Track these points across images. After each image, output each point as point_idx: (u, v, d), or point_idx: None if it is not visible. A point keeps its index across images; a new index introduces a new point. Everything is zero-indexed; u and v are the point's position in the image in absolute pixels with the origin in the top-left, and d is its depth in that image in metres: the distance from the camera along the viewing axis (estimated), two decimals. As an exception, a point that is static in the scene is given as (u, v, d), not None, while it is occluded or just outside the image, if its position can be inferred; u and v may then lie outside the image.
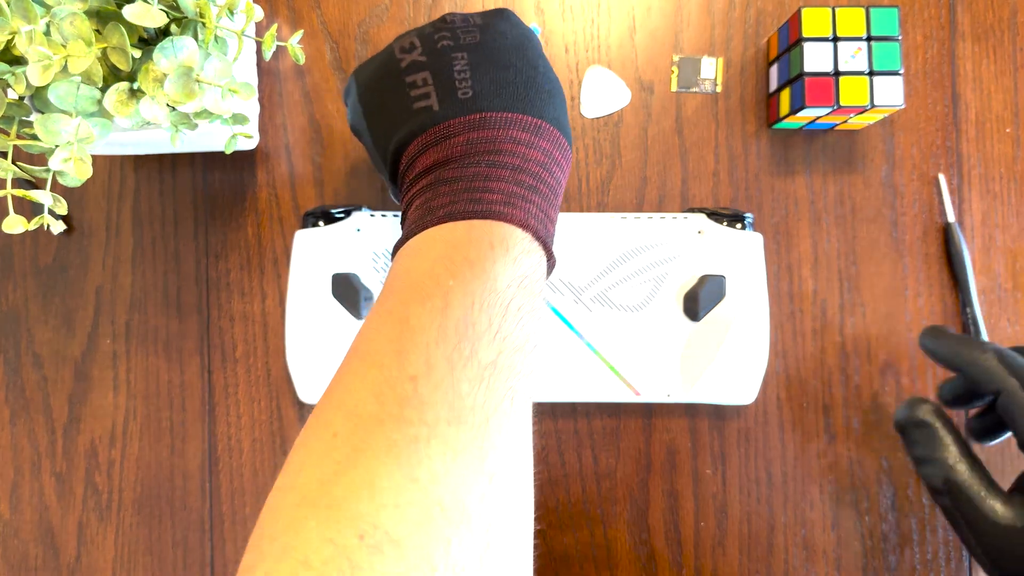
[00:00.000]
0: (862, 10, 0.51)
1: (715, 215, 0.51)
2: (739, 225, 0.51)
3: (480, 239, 0.34)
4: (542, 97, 0.40)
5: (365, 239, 0.51)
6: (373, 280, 0.51)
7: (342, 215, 0.51)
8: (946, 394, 0.49)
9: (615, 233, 0.51)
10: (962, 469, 0.42)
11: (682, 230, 0.51)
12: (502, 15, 0.42)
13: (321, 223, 0.51)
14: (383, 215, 0.51)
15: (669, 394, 0.51)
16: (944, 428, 0.43)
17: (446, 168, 0.37)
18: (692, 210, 0.52)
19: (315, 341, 0.50)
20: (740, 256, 0.51)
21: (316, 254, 0.50)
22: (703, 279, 0.50)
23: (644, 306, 0.51)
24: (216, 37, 0.41)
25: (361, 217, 0.51)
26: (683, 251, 0.51)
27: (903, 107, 0.51)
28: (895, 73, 0.50)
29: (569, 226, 0.51)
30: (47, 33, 0.36)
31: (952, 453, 0.42)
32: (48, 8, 0.36)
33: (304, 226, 0.51)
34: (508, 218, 0.35)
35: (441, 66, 0.39)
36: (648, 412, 0.54)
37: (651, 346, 0.51)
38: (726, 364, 0.51)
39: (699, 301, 0.50)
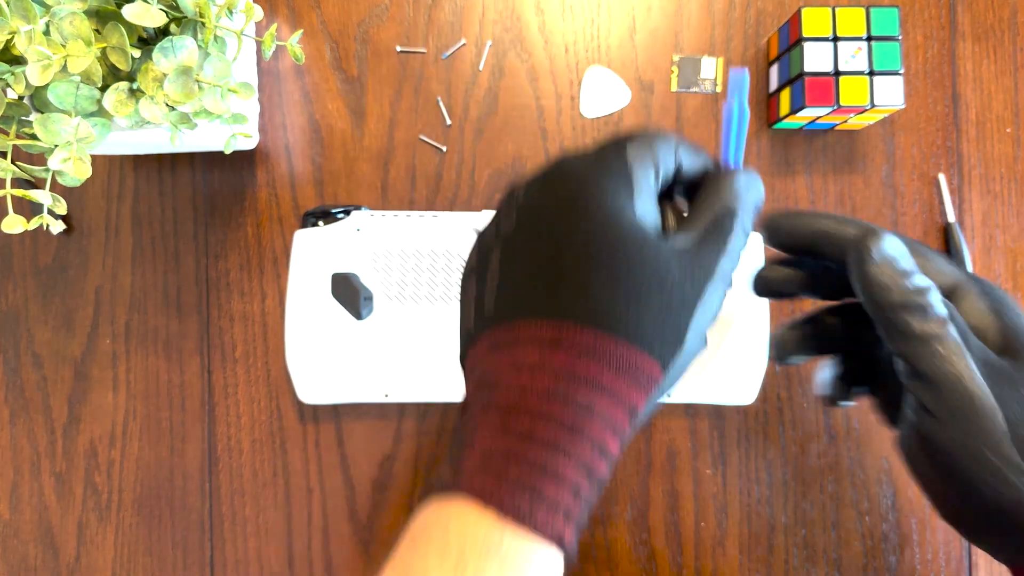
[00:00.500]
0: (862, 10, 0.51)
1: None
2: None
3: (429, 536, 0.27)
4: (576, 282, 0.29)
5: (365, 239, 0.51)
6: (373, 280, 0.51)
7: (342, 215, 0.51)
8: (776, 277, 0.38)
9: None
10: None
11: None
12: (549, 175, 0.32)
13: (321, 223, 0.51)
14: (383, 215, 0.51)
15: (669, 394, 0.51)
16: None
17: (461, 416, 0.30)
18: None
19: (315, 341, 0.50)
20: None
21: (316, 254, 0.50)
22: None
23: None
24: (215, 37, 0.41)
25: (361, 217, 0.51)
26: None
27: (903, 107, 0.51)
28: (895, 73, 0.50)
29: None
30: (47, 33, 0.36)
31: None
32: (48, 8, 0.36)
33: (304, 226, 0.51)
34: (478, 494, 0.26)
35: (482, 269, 0.32)
36: (648, 412, 0.54)
37: None
38: (726, 364, 0.50)
39: None
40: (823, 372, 0.39)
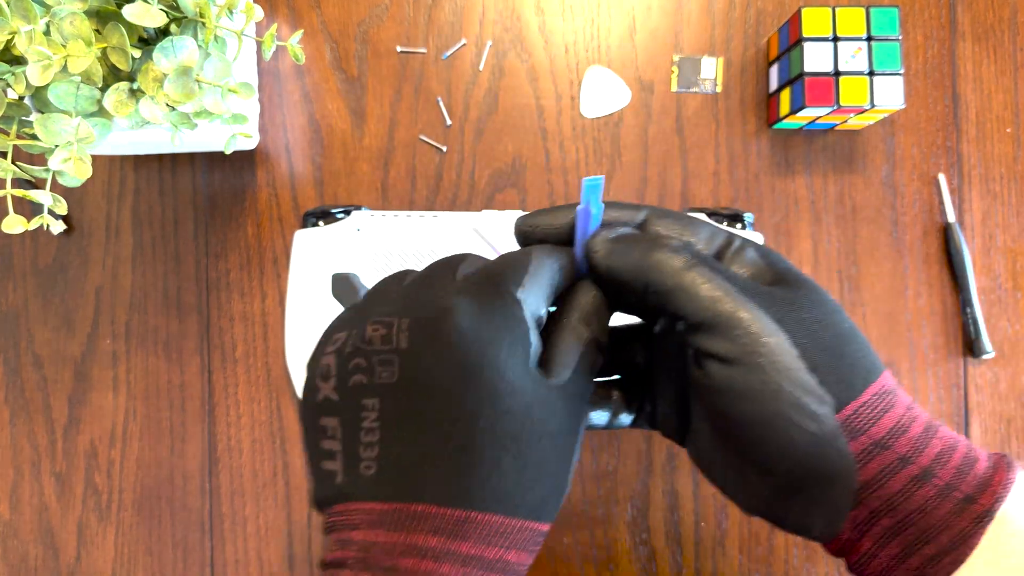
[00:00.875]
0: (862, 10, 0.51)
1: (715, 215, 0.51)
2: (739, 225, 0.51)
3: None
4: (482, 466, 0.27)
5: (365, 239, 0.51)
6: (373, 280, 0.51)
7: (342, 215, 0.51)
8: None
9: None
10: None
11: None
12: (440, 327, 0.28)
13: (321, 223, 0.51)
14: (383, 215, 0.51)
15: None
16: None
17: (341, 573, 0.27)
18: (692, 210, 0.52)
19: (315, 341, 0.50)
20: None
21: (316, 254, 0.50)
22: None
23: None
24: (216, 37, 0.41)
25: (361, 217, 0.51)
26: None
27: (903, 107, 0.51)
28: (895, 73, 0.50)
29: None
30: (47, 33, 0.36)
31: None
32: (48, 8, 0.36)
33: (304, 226, 0.51)
34: None
35: (350, 415, 0.28)
36: (648, 412, 0.54)
37: None
38: None
39: None
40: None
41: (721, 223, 0.51)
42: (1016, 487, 0.27)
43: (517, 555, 0.28)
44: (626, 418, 0.35)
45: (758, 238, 0.51)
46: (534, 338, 0.29)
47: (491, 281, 0.29)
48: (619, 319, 0.33)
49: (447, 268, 0.31)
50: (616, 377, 0.36)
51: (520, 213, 0.50)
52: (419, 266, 0.50)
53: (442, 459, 0.27)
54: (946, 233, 0.55)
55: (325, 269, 0.50)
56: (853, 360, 0.28)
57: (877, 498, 0.27)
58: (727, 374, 0.28)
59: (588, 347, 0.30)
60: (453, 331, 0.27)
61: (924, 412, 0.29)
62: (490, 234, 0.51)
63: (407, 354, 0.28)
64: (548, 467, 0.28)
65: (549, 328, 0.31)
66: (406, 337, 0.28)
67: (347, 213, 0.51)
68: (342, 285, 0.50)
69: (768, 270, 0.30)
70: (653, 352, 0.35)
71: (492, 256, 0.49)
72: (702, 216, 0.51)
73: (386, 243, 0.51)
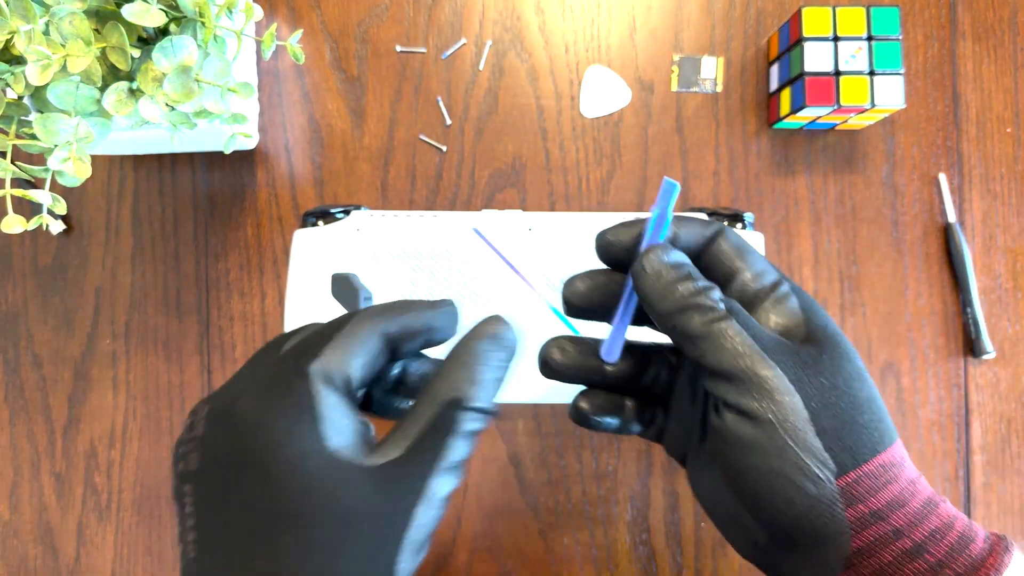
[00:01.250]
0: (863, 10, 0.51)
1: (715, 215, 0.51)
2: (739, 225, 0.51)
3: None
4: (268, 550, 0.27)
5: (365, 239, 0.51)
6: (372, 280, 0.51)
7: (342, 215, 0.51)
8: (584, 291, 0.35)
9: None
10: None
11: None
12: (228, 412, 0.29)
13: (320, 223, 0.51)
14: (383, 215, 0.51)
15: None
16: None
17: None
18: (693, 209, 0.52)
19: None
20: None
21: (315, 254, 0.50)
22: None
23: None
24: (215, 37, 0.41)
25: (361, 216, 0.51)
26: None
27: (904, 107, 0.51)
28: (896, 73, 0.50)
29: (569, 226, 0.51)
30: (46, 32, 0.36)
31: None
32: (47, 8, 0.36)
33: (304, 226, 0.51)
34: None
35: (179, 501, 0.29)
36: (648, 412, 0.54)
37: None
38: None
39: None
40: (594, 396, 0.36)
41: (721, 222, 0.51)
42: (1011, 570, 0.28)
43: None
44: (635, 427, 0.36)
45: (758, 238, 0.51)
46: (338, 412, 0.28)
47: (286, 358, 0.29)
48: (639, 334, 0.35)
49: (274, 346, 0.31)
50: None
51: (519, 213, 0.50)
52: (420, 266, 0.50)
53: (232, 543, 0.28)
54: (946, 233, 0.55)
55: (325, 269, 0.50)
56: (863, 429, 0.29)
57: (868, 566, 0.28)
58: (740, 425, 0.29)
59: (443, 414, 0.29)
60: (235, 416, 0.28)
61: (928, 488, 0.29)
62: (490, 234, 0.51)
63: (204, 441, 0.29)
64: (349, 549, 0.27)
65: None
66: (203, 424, 0.29)
67: (347, 213, 0.51)
68: (342, 285, 0.50)
69: (803, 325, 0.31)
70: (674, 375, 0.36)
71: (491, 256, 0.49)
72: (702, 215, 0.51)
73: (386, 243, 0.51)
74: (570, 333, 0.47)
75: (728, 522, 0.32)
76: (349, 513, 0.28)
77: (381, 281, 0.51)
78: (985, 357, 0.55)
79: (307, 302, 0.50)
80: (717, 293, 0.31)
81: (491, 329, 0.31)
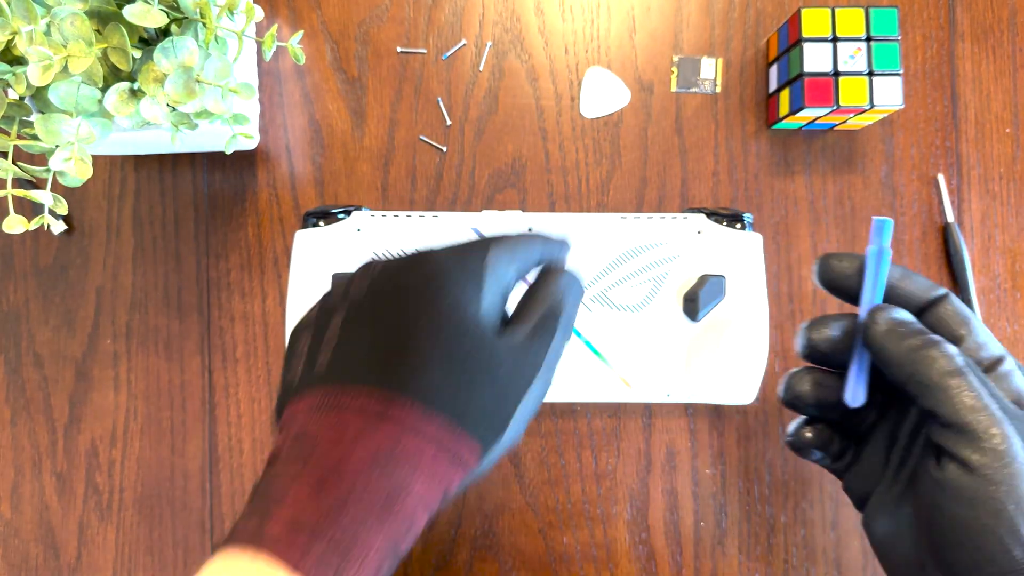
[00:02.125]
0: (861, 10, 0.51)
1: (714, 215, 0.51)
2: (739, 225, 0.51)
3: None
4: (411, 359, 0.30)
5: (366, 239, 0.51)
6: None
7: (343, 215, 0.51)
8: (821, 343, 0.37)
9: (615, 233, 0.51)
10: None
11: (682, 230, 0.51)
12: (411, 261, 0.33)
13: (321, 223, 0.51)
14: (383, 215, 0.51)
15: (669, 394, 0.51)
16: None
17: (271, 467, 0.30)
18: (692, 210, 0.52)
19: None
20: (739, 256, 0.51)
21: (316, 254, 0.50)
22: (703, 279, 0.50)
23: (644, 306, 0.51)
24: (216, 37, 0.41)
25: (361, 217, 0.51)
26: (683, 251, 0.51)
27: (902, 107, 0.51)
28: (894, 73, 0.50)
29: (568, 226, 0.51)
30: (48, 33, 0.36)
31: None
32: (49, 8, 0.36)
33: (304, 226, 0.51)
34: (284, 558, 0.26)
35: (321, 325, 0.33)
36: (648, 412, 0.54)
37: (651, 346, 0.51)
38: (726, 364, 0.51)
39: (698, 301, 0.50)
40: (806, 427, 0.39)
41: (720, 223, 0.51)
42: None
43: (436, 453, 0.30)
44: (828, 461, 0.39)
45: (757, 240, 0.51)
46: (491, 295, 0.33)
47: (466, 244, 0.34)
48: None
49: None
50: None
51: (519, 213, 0.50)
52: None
53: (382, 353, 0.31)
54: (945, 233, 0.55)
55: (326, 269, 0.50)
56: None
57: None
58: (961, 477, 0.31)
59: (546, 317, 0.34)
60: (419, 258, 0.33)
61: None
62: (489, 230, 0.51)
63: (376, 278, 0.33)
64: (477, 387, 0.31)
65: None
66: (381, 268, 0.33)
67: (347, 213, 0.51)
68: None
69: None
70: (880, 418, 0.38)
71: None
72: (701, 216, 0.51)
73: (387, 243, 0.51)
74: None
75: (904, 567, 0.34)
76: (484, 363, 0.32)
77: None
78: (984, 357, 0.55)
79: (309, 302, 0.50)
80: (954, 348, 0.32)
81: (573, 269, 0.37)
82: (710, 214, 0.51)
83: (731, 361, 0.50)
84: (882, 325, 0.34)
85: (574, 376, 0.51)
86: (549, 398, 0.51)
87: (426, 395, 0.30)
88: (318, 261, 0.50)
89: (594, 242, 0.51)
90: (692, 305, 0.50)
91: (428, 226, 0.51)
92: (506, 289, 0.34)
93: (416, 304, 0.31)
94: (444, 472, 0.30)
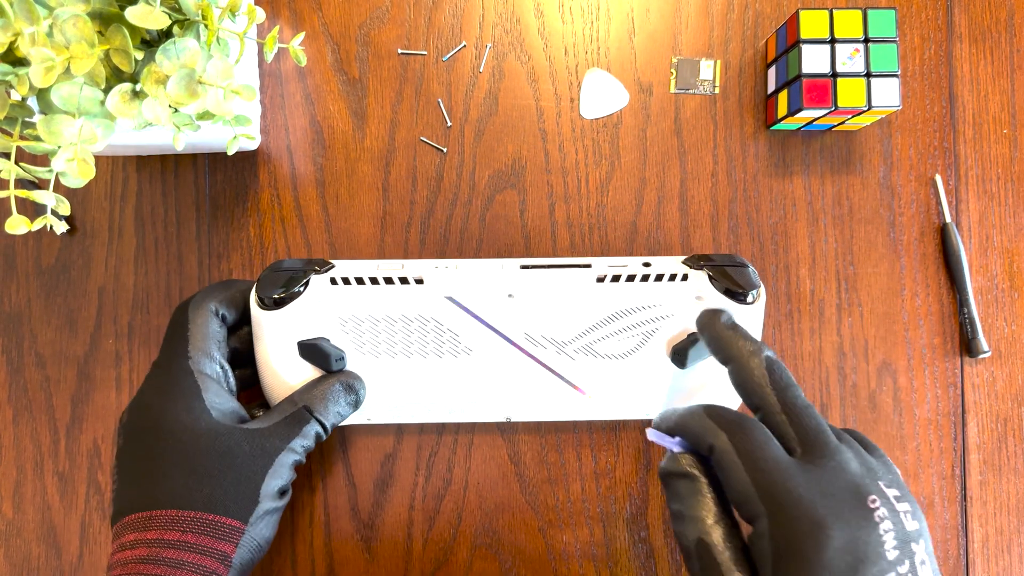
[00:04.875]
0: (859, 12, 0.51)
1: (716, 280, 0.47)
2: (742, 297, 0.47)
3: None
4: (157, 478, 0.41)
5: (330, 308, 0.47)
6: (344, 340, 0.48)
7: (301, 288, 0.46)
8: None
9: (606, 296, 0.47)
10: (717, 533, 0.37)
11: (679, 294, 0.47)
12: (136, 403, 0.44)
13: (277, 306, 0.46)
14: (342, 282, 0.47)
15: (647, 413, 0.51)
16: (707, 485, 0.38)
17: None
18: (693, 262, 0.48)
19: (291, 389, 0.48)
20: (739, 321, 0.46)
21: (280, 332, 0.47)
22: (694, 336, 0.48)
23: (630, 355, 0.49)
24: (218, 39, 0.41)
25: (321, 285, 0.47)
26: (679, 312, 0.48)
27: (900, 108, 0.51)
28: (892, 75, 0.51)
29: (555, 284, 0.47)
30: (50, 35, 0.36)
31: (711, 513, 0.37)
32: (51, 10, 0.36)
33: (261, 302, 0.47)
34: None
35: (113, 467, 0.45)
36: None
37: (634, 384, 0.49)
38: (710, 398, 0.50)
39: (687, 356, 0.48)
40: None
41: (720, 291, 0.47)
42: None
43: (197, 538, 0.40)
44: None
45: (759, 309, 0.47)
46: (214, 389, 0.44)
47: (168, 354, 0.45)
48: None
49: (164, 355, 0.46)
50: None
51: (499, 263, 0.47)
52: (392, 328, 0.48)
53: (142, 478, 0.41)
54: (943, 233, 0.56)
55: (291, 341, 0.47)
56: None
57: None
58: None
59: (298, 412, 0.45)
60: (140, 400, 0.44)
61: None
62: (467, 298, 0.47)
63: (124, 426, 0.44)
64: (226, 475, 0.41)
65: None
66: (126, 415, 0.44)
67: (306, 284, 0.46)
68: (311, 351, 0.47)
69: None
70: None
71: (468, 319, 0.48)
72: (702, 278, 0.47)
73: (352, 308, 0.47)
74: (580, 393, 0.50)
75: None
76: (224, 452, 0.41)
77: (352, 340, 0.48)
78: (981, 357, 0.55)
79: (282, 372, 0.48)
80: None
81: (350, 380, 0.47)
82: (713, 276, 0.47)
83: (715, 399, 0.50)
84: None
85: (543, 398, 0.50)
86: (520, 416, 0.51)
87: (174, 500, 0.40)
88: (284, 336, 0.47)
89: (583, 303, 0.48)
90: (681, 357, 0.48)
91: (395, 295, 0.47)
92: (225, 376, 0.45)
93: (149, 436, 0.42)
94: (212, 545, 0.40)
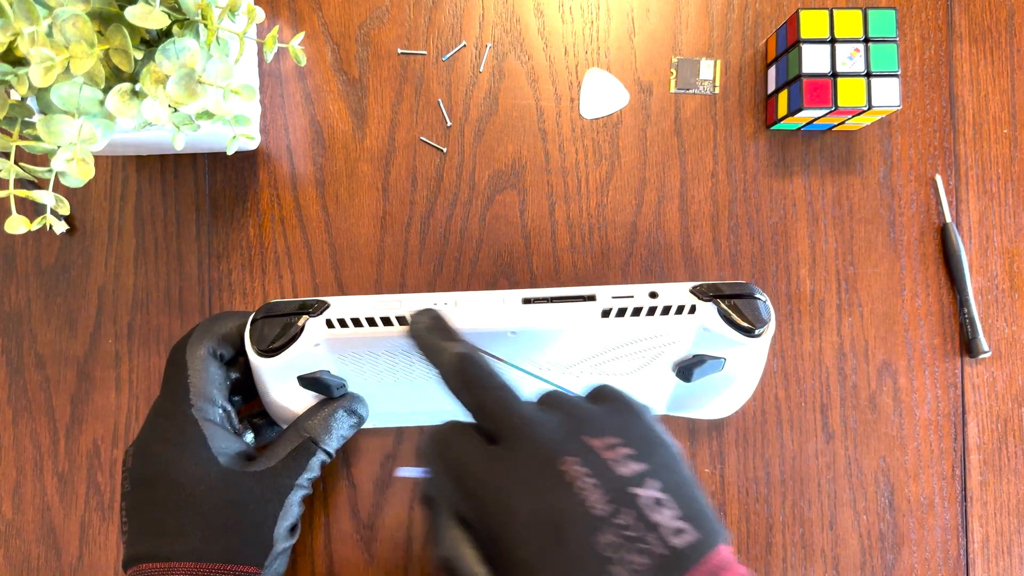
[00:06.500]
0: (860, 12, 0.51)
1: (726, 313, 0.45)
2: (751, 332, 0.45)
3: None
4: (173, 531, 0.40)
5: (327, 350, 0.46)
6: (345, 370, 0.47)
7: (297, 332, 0.44)
8: None
9: (611, 329, 0.45)
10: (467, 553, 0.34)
11: (686, 326, 0.45)
12: (139, 449, 0.43)
13: (274, 354, 0.44)
14: (342, 324, 0.44)
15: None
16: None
17: None
18: (703, 292, 0.45)
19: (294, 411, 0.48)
20: (744, 351, 0.47)
21: (280, 374, 0.46)
22: (700, 357, 0.47)
23: (635, 372, 0.48)
24: (218, 39, 0.41)
25: (316, 329, 0.44)
26: (683, 338, 0.46)
27: (900, 108, 0.51)
28: (892, 75, 0.51)
29: (558, 320, 0.44)
30: (49, 34, 0.36)
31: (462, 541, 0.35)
32: (50, 9, 0.36)
33: (257, 347, 0.45)
34: None
35: (121, 508, 0.44)
36: (647, 412, 0.55)
37: (636, 394, 0.45)
38: (711, 409, 0.52)
39: (693, 373, 0.47)
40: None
41: (728, 323, 0.45)
42: None
43: None
44: None
45: (766, 341, 0.46)
46: (219, 434, 0.43)
47: (170, 400, 0.44)
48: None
49: (164, 396, 0.45)
50: None
51: (501, 295, 0.45)
52: (394, 367, 0.48)
53: (152, 532, 0.41)
54: (943, 233, 0.56)
55: (292, 379, 0.46)
56: None
57: None
58: None
59: (304, 444, 0.45)
60: (143, 446, 0.43)
61: None
62: (468, 336, 0.43)
63: (129, 470, 0.43)
64: (238, 526, 0.41)
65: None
66: (130, 460, 0.43)
67: (300, 328, 0.44)
68: (311, 383, 0.47)
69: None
70: None
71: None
72: (711, 310, 0.45)
73: (351, 349, 0.46)
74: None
75: None
76: (236, 501, 0.41)
77: (352, 372, 0.47)
78: (981, 357, 0.55)
79: (284, 402, 0.47)
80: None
81: (353, 405, 0.47)
82: (723, 308, 0.45)
83: (717, 408, 0.51)
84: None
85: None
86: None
87: (191, 554, 0.40)
88: (284, 377, 0.46)
89: (588, 340, 0.46)
90: (686, 374, 0.47)
91: (392, 332, 0.44)
92: (228, 419, 0.45)
93: (158, 488, 0.42)
94: None
